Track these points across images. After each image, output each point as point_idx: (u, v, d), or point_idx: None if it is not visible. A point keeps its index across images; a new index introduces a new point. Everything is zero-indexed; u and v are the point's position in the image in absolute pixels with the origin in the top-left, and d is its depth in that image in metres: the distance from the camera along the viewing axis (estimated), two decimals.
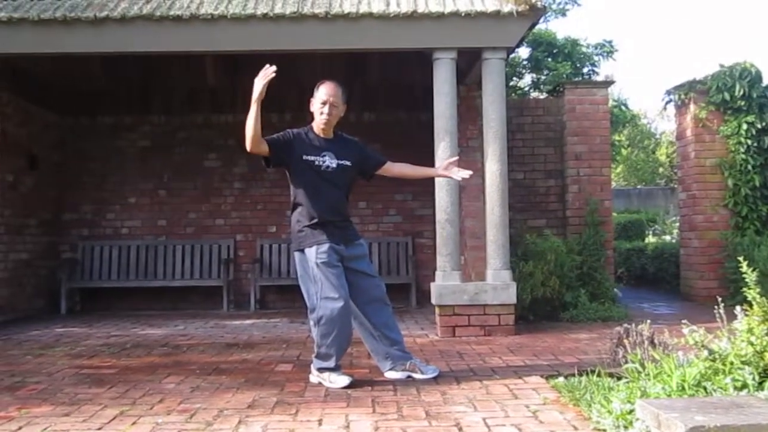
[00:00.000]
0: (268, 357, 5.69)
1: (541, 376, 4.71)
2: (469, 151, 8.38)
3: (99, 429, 3.64)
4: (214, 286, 9.50)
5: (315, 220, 4.57)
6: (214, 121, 9.91)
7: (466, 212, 7.97)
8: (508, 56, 7.16)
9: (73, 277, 9.48)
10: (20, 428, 3.66)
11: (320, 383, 4.57)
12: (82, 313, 9.32)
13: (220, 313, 9.00)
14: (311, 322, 4.62)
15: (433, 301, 6.71)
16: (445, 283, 6.63)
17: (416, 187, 9.73)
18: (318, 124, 4.74)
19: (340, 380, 4.54)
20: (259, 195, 9.94)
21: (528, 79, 14.76)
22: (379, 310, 4.80)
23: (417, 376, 4.71)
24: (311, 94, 4.89)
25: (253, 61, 9.03)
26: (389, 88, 9.80)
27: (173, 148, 9.89)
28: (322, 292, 4.48)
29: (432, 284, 6.75)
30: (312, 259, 4.52)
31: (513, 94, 13.43)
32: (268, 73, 4.45)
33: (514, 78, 14.40)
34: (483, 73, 6.82)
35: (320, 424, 3.69)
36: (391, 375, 4.77)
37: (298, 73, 9.57)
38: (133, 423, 3.74)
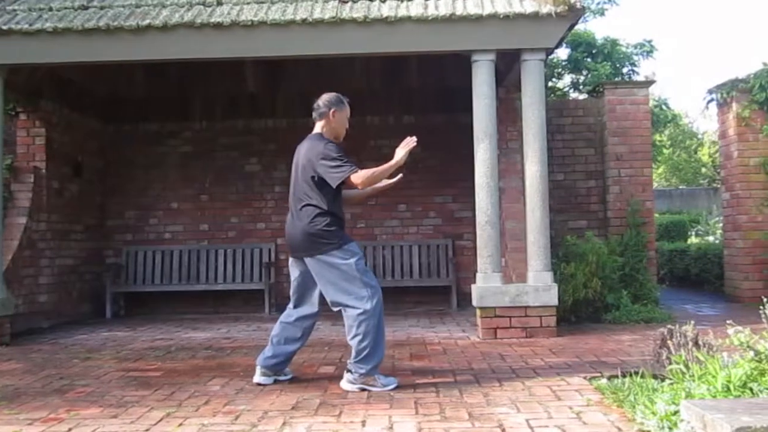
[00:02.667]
0: (311, 359, 5.73)
1: (584, 378, 4.68)
2: (509, 152, 8.36)
3: (146, 430, 3.70)
4: (255, 290, 9.58)
5: (341, 225, 4.68)
6: (254, 126, 10.02)
7: (506, 214, 7.94)
8: (547, 57, 7.12)
9: (118, 282, 9.66)
10: (70, 429, 3.74)
11: (363, 389, 4.51)
12: (127, 317, 9.48)
13: (262, 317, 9.08)
14: (355, 324, 4.56)
15: (474, 303, 6.70)
16: (486, 285, 6.62)
17: (456, 189, 9.74)
18: (340, 137, 4.83)
19: (390, 381, 4.56)
20: None
21: (567, 79, 14.65)
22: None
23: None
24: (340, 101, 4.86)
25: (292, 66, 9.26)
26: (427, 90, 9.82)
27: (214, 154, 10.02)
28: (366, 285, 4.53)
29: (473, 286, 6.74)
30: (348, 257, 4.54)
31: (552, 95, 13.34)
32: (410, 143, 4.58)
33: (554, 79, 14.29)
34: (522, 75, 6.79)
35: (364, 425, 3.71)
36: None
37: (337, 77, 9.68)
38: (180, 424, 3.80)
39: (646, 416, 3.48)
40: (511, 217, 7.86)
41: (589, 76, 13.14)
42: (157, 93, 9.93)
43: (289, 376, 4.92)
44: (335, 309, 4.64)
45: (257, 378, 4.77)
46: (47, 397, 4.55)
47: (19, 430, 3.75)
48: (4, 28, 6.63)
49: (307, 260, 4.62)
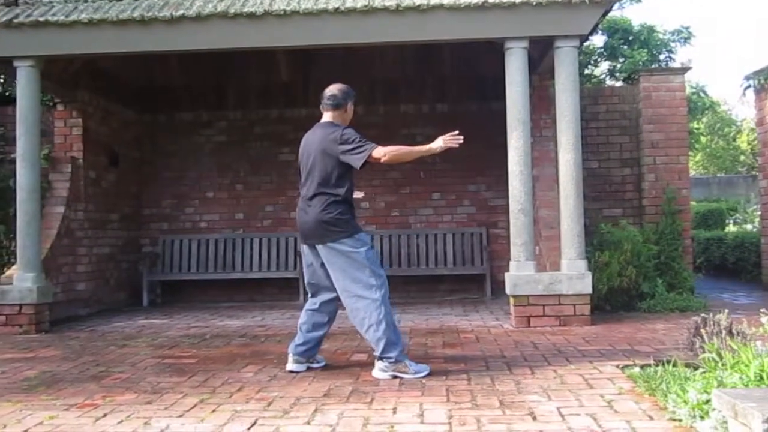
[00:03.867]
0: (344, 347, 5.76)
1: (617, 366, 4.64)
2: (543, 140, 8.29)
3: (180, 416, 3.75)
4: (290, 278, 9.65)
5: (353, 214, 4.74)
6: (288, 115, 10.06)
7: (540, 202, 7.88)
8: (581, 44, 7.03)
9: (154, 270, 9.79)
10: (105, 415, 3.81)
11: (395, 376, 4.52)
12: (163, 305, 9.62)
13: (297, 304, 9.11)
14: (367, 315, 4.57)
15: (508, 291, 6.67)
16: (519, 273, 6.58)
17: (490, 177, 9.69)
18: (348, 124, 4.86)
19: (422, 368, 4.58)
20: None
21: (604, 67, 14.48)
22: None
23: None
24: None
25: (325, 55, 9.27)
26: (461, 78, 9.78)
27: (249, 143, 10.09)
28: (375, 274, 4.57)
29: (506, 274, 6.71)
30: (359, 245, 4.59)
31: (588, 83, 13.19)
32: (454, 140, 4.59)
33: (590, 66, 14.14)
34: (555, 62, 6.73)
35: (395, 412, 3.72)
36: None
37: (370, 66, 9.68)
38: (213, 411, 3.85)
39: (678, 405, 3.45)
40: (544, 205, 7.80)
41: (626, 63, 12.97)
42: (192, 83, 10.02)
43: (321, 364, 4.96)
44: (343, 297, 4.66)
45: (290, 366, 4.81)
46: (84, 383, 4.64)
47: (55, 415, 3.83)
48: (41, 19, 6.73)
49: (319, 247, 4.66)
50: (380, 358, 4.58)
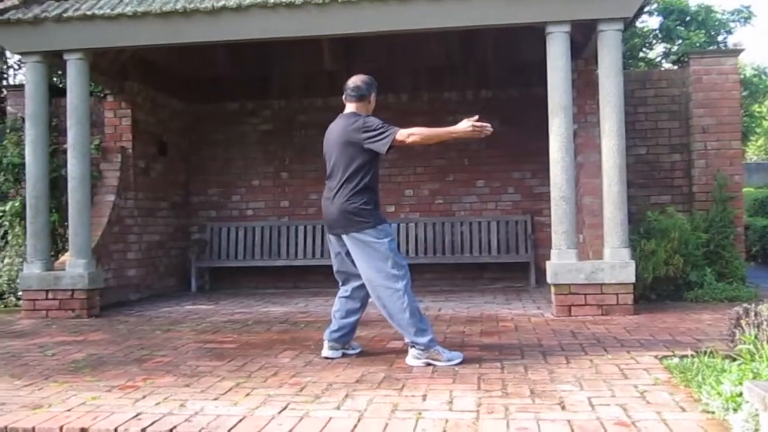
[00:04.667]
0: (382, 334, 5.80)
1: (655, 357, 4.57)
2: (588, 126, 8.17)
3: (215, 399, 3.84)
4: None
5: (377, 204, 4.76)
6: (331, 103, 10.01)
7: (584, 189, 7.77)
8: (625, 28, 6.89)
9: (202, 257, 9.97)
10: (144, 397, 3.92)
11: (428, 364, 4.54)
12: (211, 291, 9.80)
13: None
14: (390, 304, 4.61)
15: (549, 279, 6.61)
16: (561, 262, 6.52)
17: (535, 164, 9.58)
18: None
19: (455, 355, 4.59)
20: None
21: (659, 49, 14.14)
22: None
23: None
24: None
25: (368, 44, 9.28)
26: (504, 64, 9.67)
27: (293, 131, 10.18)
28: (398, 265, 4.59)
29: (547, 263, 6.65)
30: (381, 236, 4.61)
31: (643, 66, 12.91)
32: (483, 129, 4.54)
33: (644, 49, 13.83)
34: (598, 46, 6.61)
35: (424, 399, 3.74)
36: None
37: (413, 54, 9.65)
38: (247, 394, 3.92)
39: (712, 397, 3.39)
40: (589, 193, 7.69)
41: (682, 45, 12.64)
42: (237, 72, 10.13)
43: (357, 350, 5.01)
44: (368, 286, 4.69)
45: (325, 352, 4.87)
46: (127, 365, 4.77)
47: (97, 396, 3.95)
48: (88, 13, 6.90)
49: (344, 237, 4.71)
50: (412, 345, 4.60)
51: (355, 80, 4.83)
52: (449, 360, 4.54)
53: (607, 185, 6.56)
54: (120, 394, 3.99)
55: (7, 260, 8.61)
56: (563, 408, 3.51)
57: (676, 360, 4.35)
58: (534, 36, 7.16)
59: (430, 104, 9.82)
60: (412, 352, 4.62)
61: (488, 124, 4.55)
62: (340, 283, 4.96)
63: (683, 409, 3.40)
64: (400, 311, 4.56)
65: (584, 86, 8.15)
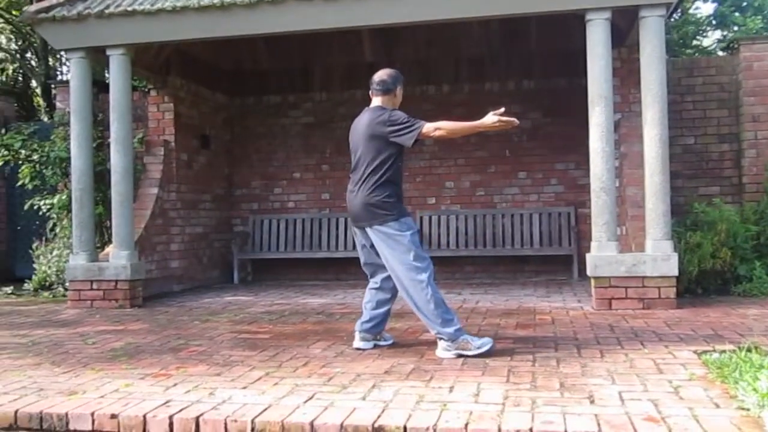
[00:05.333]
0: (416, 326, 5.76)
1: (694, 352, 4.45)
2: (632, 116, 8.00)
3: (243, 388, 3.86)
4: None
5: (400, 197, 4.76)
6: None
7: (627, 180, 7.61)
8: (669, 14, 6.73)
9: (245, 249, 10.08)
10: (175, 385, 3.97)
11: (459, 355, 4.50)
12: (253, 282, 9.89)
13: None
14: (414, 294, 4.59)
15: (588, 272, 6.50)
16: (601, 254, 6.40)
17: (579, 155, 9.40)
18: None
19: (485, 342, 4.55)
20: (418, 167, 10.03)
21: (714, 36, 13.76)
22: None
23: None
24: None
25: (409, 35, 9.24)
26: (548, 53, 9.53)
27: (334, 124, 10.17)
28: (420, 257, 4.58)
29: (587, 255, 6.54)
30: (404, 229, 4.62)
31: (696, 54, 12.58)
32: (510, 122, 4.54)
33: (698, 37, 13.47)
34: (640, 33, 6.46)
35: (451, 391, 3.70)
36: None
37: (454, 44, 9.58)
38: (275, 384, 3.94)
39: (747, 393, 3.28)
40: (632, 184, 7.52)
41: (738, 31, 12.27)
42: (279, 66, 10.20)
43: (389, 342, 4.99)
44: (393, 278, 4.70)
45: (357, 343, 4.86)
46: (162, 354, 4.84)
47: (131, 383, 4.02)
48: (129, 9, 7.00)
49: (367, 230, 4.71)
50: (439, 338, 4.57)
51: (380, 74, 4.86)
52: (479, 348, 4.50)
53: (649, 175, 6.41)
54: (152, 382, 4.04)
55: (55, 251, 8.83)
56: (592, 402, 3.43)
57: (715, 355, 4.23)
58: (579, 23, 7.02)
59: (471, 95, 9.73)
60: (441, 344, 4.60)
61: (515, 119, 4.54)
62: (369, 276, 4.96)
63: (717, 406, 3.30)
64: (425, 302, 4.55)
65: (628, 75, 7.97)
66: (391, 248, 4.61)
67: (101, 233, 8.59)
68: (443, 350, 4.57)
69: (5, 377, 4.25)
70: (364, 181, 4.69)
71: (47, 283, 8.78)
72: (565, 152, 9.59)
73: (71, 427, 3.43)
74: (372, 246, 4.77)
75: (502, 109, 4.55)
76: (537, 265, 9.57)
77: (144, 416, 3.38)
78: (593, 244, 6.48)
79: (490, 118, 4.52)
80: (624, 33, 7.49)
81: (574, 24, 7.42)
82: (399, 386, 3.81)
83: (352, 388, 3.79)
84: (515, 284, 8.80)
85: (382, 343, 4.95)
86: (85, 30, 7.21)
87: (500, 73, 9.79)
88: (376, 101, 4.84)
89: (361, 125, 4.81)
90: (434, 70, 9.84)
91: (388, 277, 4.82)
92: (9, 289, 8.97)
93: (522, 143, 9.66)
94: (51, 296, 8.50)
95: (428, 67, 9.82)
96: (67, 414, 3.46)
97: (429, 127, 4.55)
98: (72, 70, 7.49)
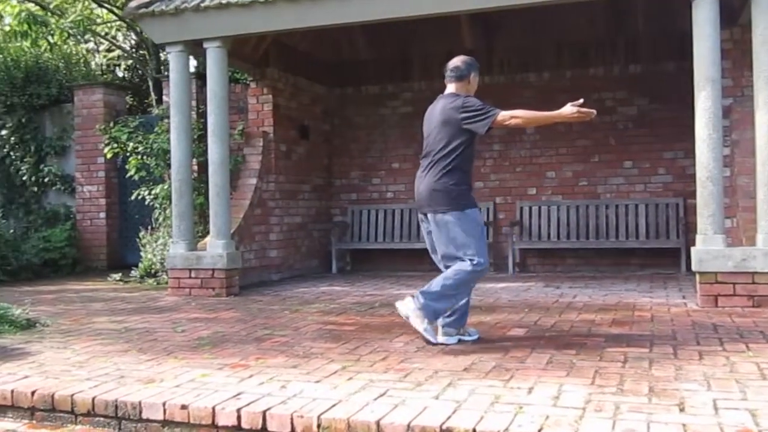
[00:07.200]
0: (505, 320, 5.59)
1: None
2: (744, 101, 7.46)
3: (317, 382, 3.81)
4: None
5: (469, 185, 4.70)
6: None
7: (739, 169, 7.13)
8: None
9: (343, 239, 10.11)
10: (251, 376, 3.96)
11: (407, 317, 4.64)
12: (351, 272, 9.91)
13: None
14: (451, 272, 4.57)
15: (693, 267, 6.11)
16: (706, 248, 6.00)
17: (689, 143, 8.82)
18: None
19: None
20: (518, 157, 9.77)
21: None
22: None
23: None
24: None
25: (507, 19, 8.98)
26: (655, 36, 9.06)
27: None
28: (477, 251, 4.54)
29: (692, 249, 6.15)
30: (477, 218, 4.62)
31: None
32: (587, 113, 4.46)
33: None
34: (752, 10, 6.00)
35: (530, 392, 3.52)
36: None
37: (556, 29, 9.24)
38: (349, 378, 3.86)
39: None
40: (744, 173, 7.04)
41: None
42: (377, 55, 10.14)
43: (474, 337, 4.85)
44: (443, 264, 4.71)
45: (439, 338, 4.75)
46: (245, 344, 4.87)
47: (208, 374, 4.04)
48: (224, 2, 7.10)
49: (430, 215, 4.65)
50: (418, 299, 4.61)
51: (455, 61, 4.79)
52: (425, 331, 4.60)
53: (761, 164, 5.96)
54: (229, 373, 4.06)
55: (160, 240, 9.12)
56: (681, 410, 3.18)
57: None
58: (686, 5, 6.60)
59: (573, 82, 9.37)
60: (412, 301, 4.62)
61: (593, 110, 4.44)
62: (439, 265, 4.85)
63: None
64: (455, 283, 4.55)
65: (741, 56, 7.44)
66: (449, 237, 4.57)
67: (204, 223, 8.79)
68: (405, 305, 4.63)
69: (91, 363, 4.37)
70: (432, 167, 4.64)
71: (152, 271, 9.07)
72: (673, 140, 9.09)
73: (144, 415, 3.48)
74: None
75: (581, 100, 4.43)
76: (643, 259, 9.14)
77: (213, 408, 3.38)
78: (698, 237, 6.09)
79: (569, 109, 4.43)
80: (736, 11, 6.99)
81: (682, 3, 6.97)
82: (476, 385, 3.66)
83: (426, 386, 3.67)
84: (618, 278, 8.42)
85: (466, 338, 4.81)
86: (182, 24, 7.37)
87: (605, 58, 9.39)
88: (450, 88, 4.78)
89: (434, 111, 4.77)
90: (535, 56, 9.53)
91: None
92: (117, 276, 9.33)
93: (628, 131, 9.23)
94: (155, 283, 8.79)
95: (528, 54, 9.52)
96: (140, 403, 3.50)
97: (504, 115, 4.47)
98: (171, 64, 7.67)
